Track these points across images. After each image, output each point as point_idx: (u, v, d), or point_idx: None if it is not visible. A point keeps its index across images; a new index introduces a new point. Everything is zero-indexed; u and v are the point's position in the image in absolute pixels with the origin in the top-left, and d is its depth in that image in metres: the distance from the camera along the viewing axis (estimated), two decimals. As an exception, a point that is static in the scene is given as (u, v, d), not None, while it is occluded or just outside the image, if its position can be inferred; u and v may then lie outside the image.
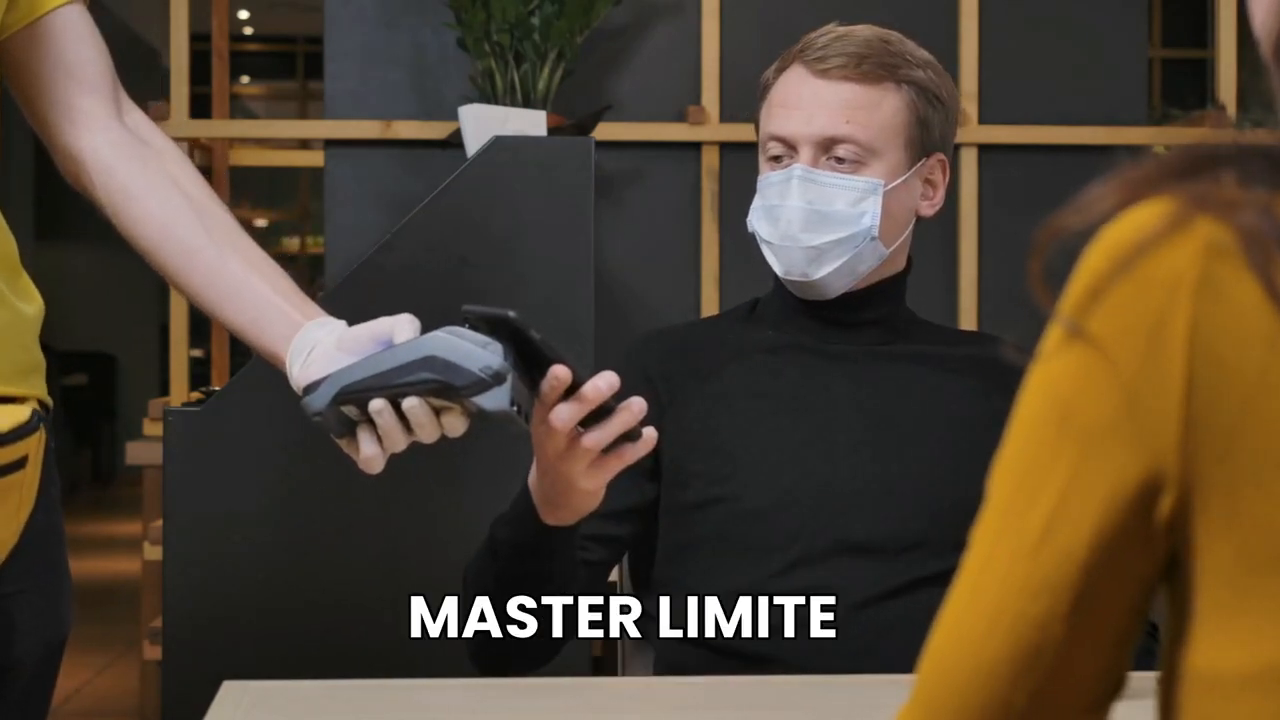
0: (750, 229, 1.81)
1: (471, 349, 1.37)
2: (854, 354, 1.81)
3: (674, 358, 1.82)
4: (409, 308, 1.49)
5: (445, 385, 1.38)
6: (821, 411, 1.77)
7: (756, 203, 1.80)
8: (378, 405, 1.41)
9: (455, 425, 1.41)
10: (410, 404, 1.40)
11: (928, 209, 1.81)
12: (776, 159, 1.78)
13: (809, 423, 1.77)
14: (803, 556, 1.71)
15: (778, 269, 1.79)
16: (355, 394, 1.41)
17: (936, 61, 1.82)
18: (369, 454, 1.44)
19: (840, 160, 1.75)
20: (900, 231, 1.79)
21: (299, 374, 1.48)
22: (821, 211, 1.75)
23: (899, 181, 1.77)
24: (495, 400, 1.37)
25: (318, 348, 1.48)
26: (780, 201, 1.76)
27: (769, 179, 1.78)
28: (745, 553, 1.72)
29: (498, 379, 1.37)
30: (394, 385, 1.40)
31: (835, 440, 1.76)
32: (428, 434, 1.42)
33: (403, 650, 1.64)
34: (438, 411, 1.41)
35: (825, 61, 1.76)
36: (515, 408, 1.38)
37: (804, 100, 1.76)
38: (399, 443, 1.43)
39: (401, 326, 1.44)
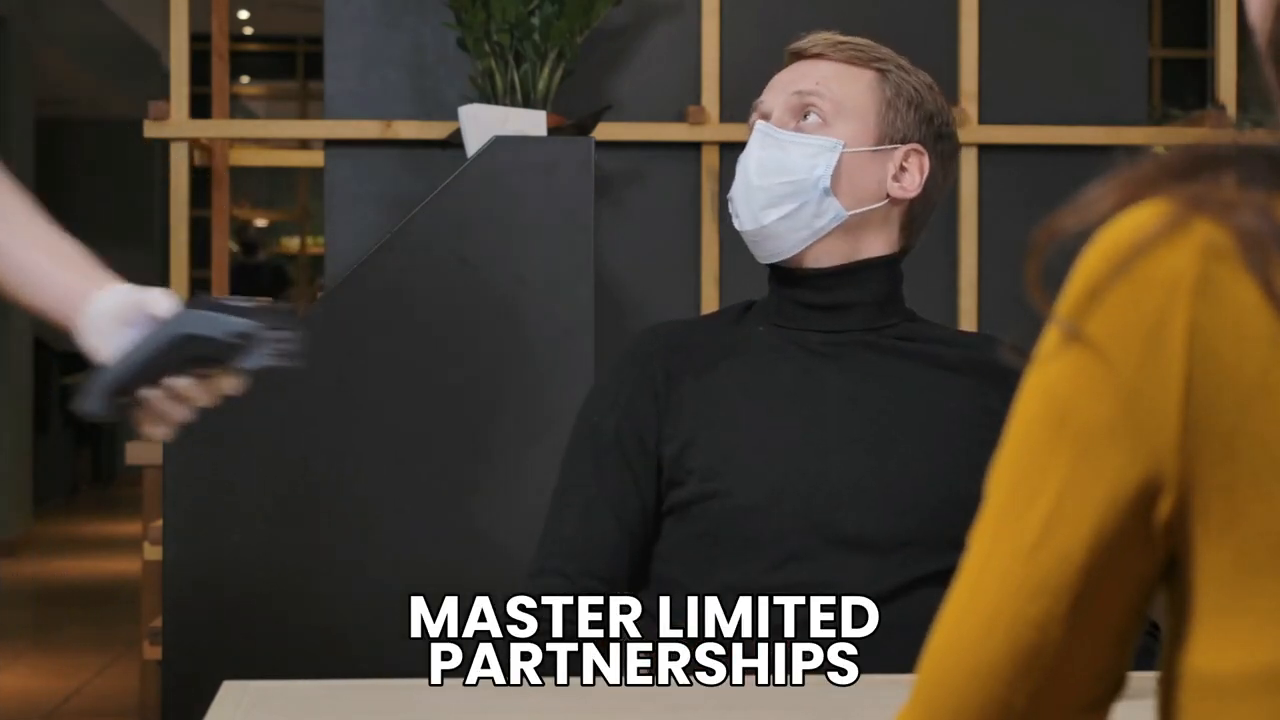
0: (729, 208, 1.85)
1: (222, 318, 1.50)
2: (846, 345, 1.81)
3: (674, 354, 1.83)
4: (409, 307, 1.50)
5: (204, 358, 1.50)
6: (815, 407, 1.78)
7: None
8: (148, 392, 1.52)
9: (227, 386, 1.54)
10: (177, 383, 1.51)
11: (899, 191, 1.83)
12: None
13: (803, 418, 1.77)
14: (795, 552, 1.71)
15: (738, 225, 1.84)
16: (125, 388, 1.53)
17: (930, 80, 1.86)
18: (154, 431, 1.55)
19: (808, 129, 1.81)
20: (865, 202, 1.81)
21: (92, 346, 1.56)
22: (776, 157, 1.81)
23: (863, 149, 1.81)
24: (255, 360, 1.50)
25: (101, 319, 1.55)
26: (743, 159, 1.84)
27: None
28: (738, 549, 1.72)
29: (249, 339, 1.49)
30: (158, 371, 1.52)
31: (828, 435, 1.76)
32: (203, 402, 1.54)
33: (403, 650, 1.64)
34: (209, 378, 1.53)
35: (809, 46, 1.85)
36: (283, 357, 1.51)
37: (783, 75, 1.86)
38: (180, 414, 1.54)
39: (157, 300, 1.53)
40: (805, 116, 1.81)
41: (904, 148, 1.82)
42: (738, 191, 1.83)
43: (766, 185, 1.80)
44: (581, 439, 1.84)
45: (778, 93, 1.84)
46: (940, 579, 1.63)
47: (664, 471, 1.79)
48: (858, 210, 1.80)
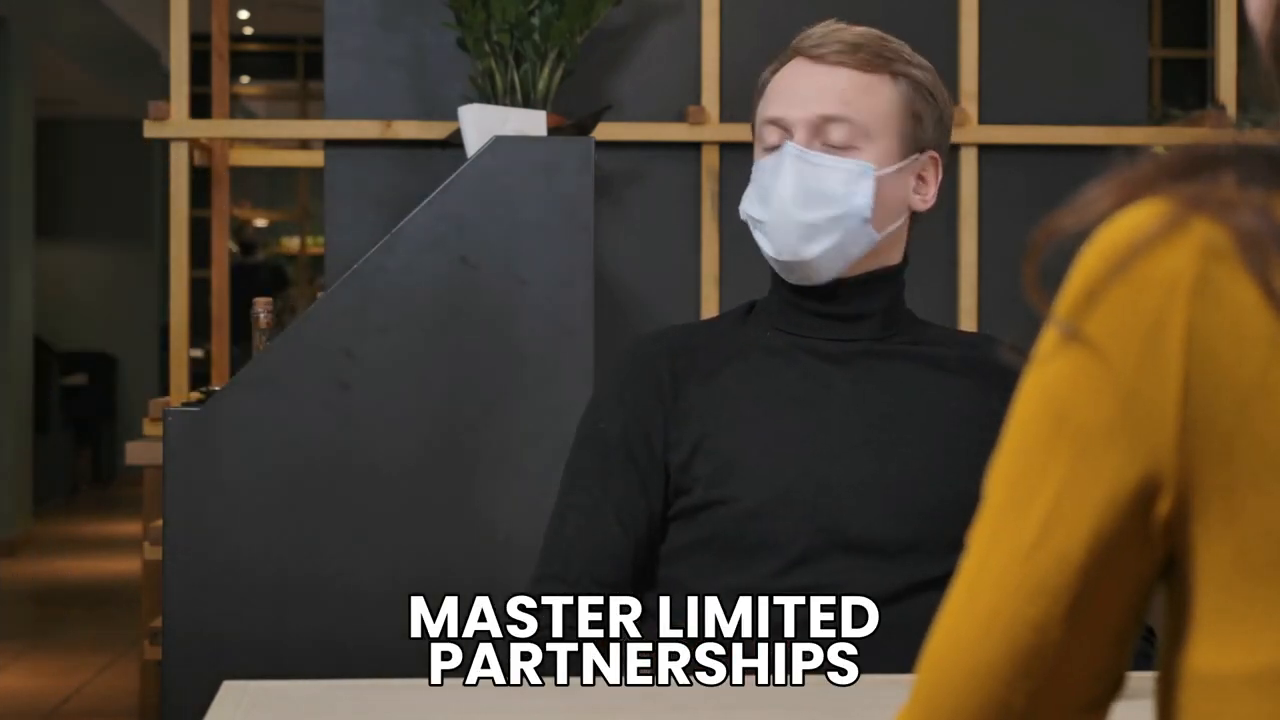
0: (743, 216, 1.82)
1: None
2: (853, 353, 1.81)
3: (678, 358, 1.82)
4: (409, 308, 1.49)
5: None
6: (820, 411, 1.78)
7: (749, 189, 1.81)
8: None
9: None
10: None
11: (920, 203, 1.82)
12: (774, 148, 1.79)
13: (808, 422, 1.77)
14: (802, 556, 1.71)
15: (768, 249, 1.79)
16: None
17: (932, 67, 1.84)
18: None
19: (834, 146, 1.77)
20: (891, 220, 1.79)
21: None
22: (815, 188, 1.76)
23: (891, 169, 1.78)
24: None
25: None
26: (773, 182, 1.77)
27: (763, 164, 1.79)
28: (745, 553, 1.72)
29: None
30: None
31: (833, 439, 1.76)
32: None
33: (403, 650, 1.64)
34: None
35: (822, 48, 1.79)
36: None
37: (801, 84, 1.79)
38: None
39: None
40: (831, 135, 1.77)
41: (923, 157, 1.81)
42: (772, 219, 1.77)
43: (811, 220, 1.75)
44: (585, 444, 1.82)
45: (797, 108, 1.78)
46: (941, 583, 1.63)
47: (671, 477, 1.78)
48: (886, 231, 1.79)
